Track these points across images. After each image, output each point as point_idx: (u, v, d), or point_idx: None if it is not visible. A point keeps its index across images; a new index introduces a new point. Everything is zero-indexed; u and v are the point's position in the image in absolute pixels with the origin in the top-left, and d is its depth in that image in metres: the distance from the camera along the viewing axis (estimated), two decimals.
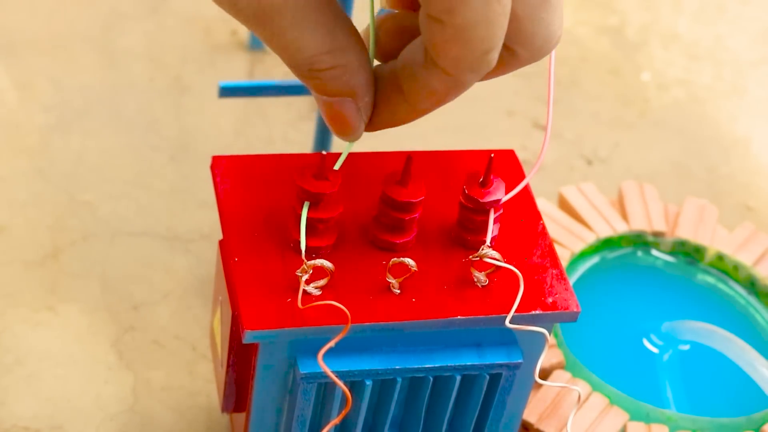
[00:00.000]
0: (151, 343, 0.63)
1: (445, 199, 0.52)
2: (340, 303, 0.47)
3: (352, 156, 0.50)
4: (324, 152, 0.48)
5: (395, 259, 0.49)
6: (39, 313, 0.64)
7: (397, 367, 0.49)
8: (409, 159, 0.48)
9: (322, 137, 0.67)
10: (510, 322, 0.48)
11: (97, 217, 0.68)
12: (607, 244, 0.66)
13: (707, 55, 0.85)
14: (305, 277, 0.47)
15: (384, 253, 0.50)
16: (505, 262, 0.49)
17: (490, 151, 0.52)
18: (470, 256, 0.49)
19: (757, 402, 0.61)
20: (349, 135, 0.46)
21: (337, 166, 0.48)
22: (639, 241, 0.67)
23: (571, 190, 0.68)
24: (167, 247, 0.68)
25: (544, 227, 0.52)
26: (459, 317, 0.48)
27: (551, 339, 0.60)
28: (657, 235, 0.67)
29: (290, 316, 0.47)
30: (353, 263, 0.49)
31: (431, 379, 0.51)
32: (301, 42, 0.43)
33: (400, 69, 0.44)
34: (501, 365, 0.50)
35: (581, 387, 0.59)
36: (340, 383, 0.46)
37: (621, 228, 0.67)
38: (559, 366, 0.60)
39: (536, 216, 0.52)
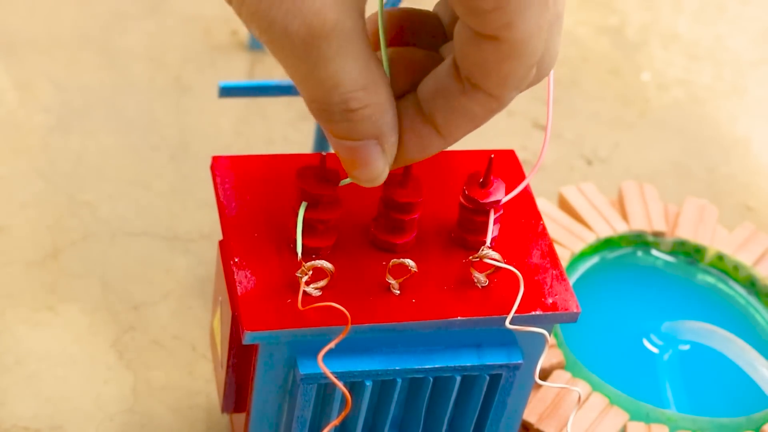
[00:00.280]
0: (150, 343, 0.63)
1: (445, 200, 0.52)
2: (340, 304, 0.47)
3: None
4: (324, 153, 0.48)
5: (395, 259, 0.49)
6: (39, 313, 0.64)
7: (397, 367, 0.49)
8: None
9: (322, 137, 0.67)
10: (510, 323, 0.48)
11: (97, 217, 0.68)
12: (607, 244, 0.66)
13: (707, 55, 0.85)
14: (305, 278, 0.47)
15: (384, 254, 0.50)
16: (505, 263, 0.49)
17: (490, 152, 0.52)
18: (470, 257, 0.49)
19: (757, 402, 0.61)
20: (373, 181, 0.44)
21: (344, 182, 0.48)
22: (639, 241, 0.67)
23: (571, 190, 0.68)
24: (167, 247, 0.68)
25: (544, 228, 0.52)
26: (459, 318, 0.48)
27: (551, 339, 0.60)
28: (657, 235, 0.67)
29: (290, 317, 0.47)
30: (353, 264, 0.49)
31: (431, 379, 0.51)
32: (342, 75, 0.40)
33: (429, 101, 0.42)
34: (501, 366, 0.50)
35: (581, 387, 0.59)
36: (339, 384, 0.46)
37: (621, 228, 0.67)
38: (559, 366, 0.60)
39: (536, 216, 0.52)
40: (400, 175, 0.49)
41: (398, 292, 0.49)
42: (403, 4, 0.45)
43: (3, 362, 0.61)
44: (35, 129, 0.73)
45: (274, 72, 0.78)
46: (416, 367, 0.50)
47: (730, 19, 0.88)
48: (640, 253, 0.67)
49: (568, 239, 0.65)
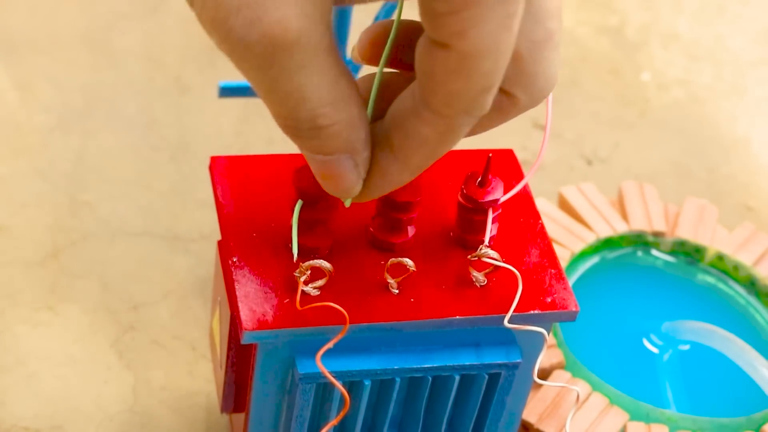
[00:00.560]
0: (150, 343, 0.63)
1: (444, 199, 0.52)
2: (338, 303, 0.47)
3: None
4: None
5: (394, 259, 0.49)
6: (39, 313, 0.64)
7: (395, 367, 0.49)
8: None
9: None
10: (508, 322, 0.48)
11: (97, 217, 0.68)
12: (607, 244, 0.66)
13: (707, 55, 0.85)
14: (303, 277, 0.47)
15: (382, 253, 0.50)
16: (504, 262, 0.49)
17: (489, 151, 0.52)
18: (469, 256, 0.49)
19: (757, 402, 0.61)
20: (345, 193, 0.43)
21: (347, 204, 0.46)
22: (639, 241, 0.67)
23: (571, 190, 0.68)
24: (167, 247, 0.68)
25: (542, 227, 0.52)
26: (457, 317, 0.48)
27: (550, 339, 0.60)
28: (657, 235, 0.67)
29: (289, 316, 0.47)
30: (352, 263, 0.49)
31: (430, 379, 0.51)
32: (307, 90, 0.39)
33: (388, 123, 0.41)
34: (500, 365, 0.50)
35: (581, 387, 0.59)
36: (338, 384, 0.46)
37: (621, 228, 0.67)
38: (559, 366, 0.60)
39: (535, 216, 0.52)
40: None
41: (397, 291, 0.49)
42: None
43: (3, 362, 0.61)
44: (35, 129, 0.73)
45: None
46: (415, 366, 0.50)
47: (730, 19, 0.88)
48: (640, 253, 0.67)
49: (568, 239, 0.65)
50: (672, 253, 0.67)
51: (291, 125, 0.40)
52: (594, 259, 0.66)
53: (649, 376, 0.62)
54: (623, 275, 0.66)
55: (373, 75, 0.44)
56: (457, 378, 0.50)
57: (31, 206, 0.69)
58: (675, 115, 0.81)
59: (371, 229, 0.50)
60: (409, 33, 0.44)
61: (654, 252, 0.67)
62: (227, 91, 0.63)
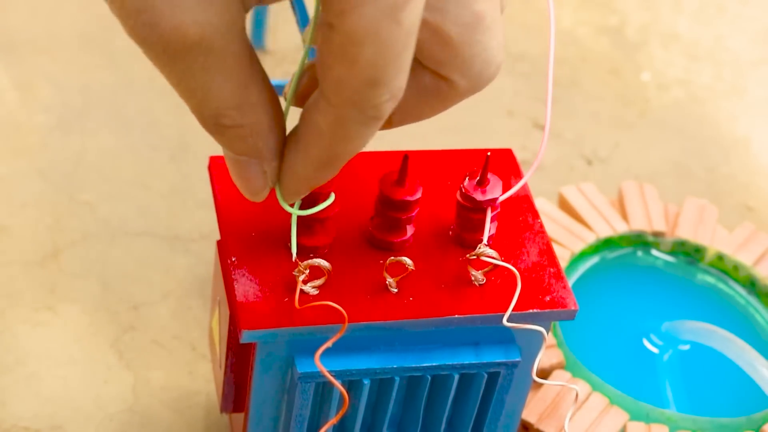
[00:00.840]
0: (150, 343, 0.63)
1: (443, 198, 0.52)
2: (337, 302, 0.47)
3: None
4: None
5: (392, 258, 0.49)
6: (39, 313, 0.64)
7: (394, 366, 0.49)
8: (405, 158, 0.48)
9: None
10: (507, 321, 0.48)
11: (97, 217, 0.68)
12: (607, 244, 0.66)
13: (707, 55, 0.85)
14: (302, 276, 0.47)
15: (381, 252, 0.50)
16: (503, 261, 0.49)
17: (487, 150, 0.52)
18: (467, 255, 0.49)
19: (757, 402, 0.61)
20: (253, 196, 0.43)
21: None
22: (639, 241, 0.67)
23: (571, 190, 0.68)
24: (167, 247, 0.68)
25: (541, 226, 0.52)
26: (456, 316, 0.48)
27: (550, 338, 0.60)
28: (657, 235, 0.67)
29: (287, 315, 0.47)
30: (350, 262, 0.49)
31: (429, 378, 0.51)
32: (209, 91, 0.39)
33: (301, 115, 0.41)
34: (499, 364, 0.50)
35: (581, 387, 0.59)
36: (336, 383, 0.46)
37: (621, 228, 0.67)
38: (559, 366, 0.60)
39: (534, 215, 0.52)
40: (397, 173, 0.49)
41: (396, 290, 0.49)
42: None
43: (3, 362, 0.61)
44: (35, 129, 0.73)
45: (274, 72, 0.78)
46: (414, 365, 0.50)
47: (730, 19, 0.88)
48: (640, 253, 0.67)
49: (568, 239, 0.65)
50: (672, 253, 0.67)
51: (198, 117, 0.41)
52: (594, 259, 0.66)
53: (649, 376, 0.62)
54: (623, 275, 0.66)
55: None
56: (457, 377, 0.50)
57: (31, 206, 0.69)
58: (675, 115, 0.81)
59: (370, 228, 0.50)
60: None
61: (654, 252, 0.67)
62: None
